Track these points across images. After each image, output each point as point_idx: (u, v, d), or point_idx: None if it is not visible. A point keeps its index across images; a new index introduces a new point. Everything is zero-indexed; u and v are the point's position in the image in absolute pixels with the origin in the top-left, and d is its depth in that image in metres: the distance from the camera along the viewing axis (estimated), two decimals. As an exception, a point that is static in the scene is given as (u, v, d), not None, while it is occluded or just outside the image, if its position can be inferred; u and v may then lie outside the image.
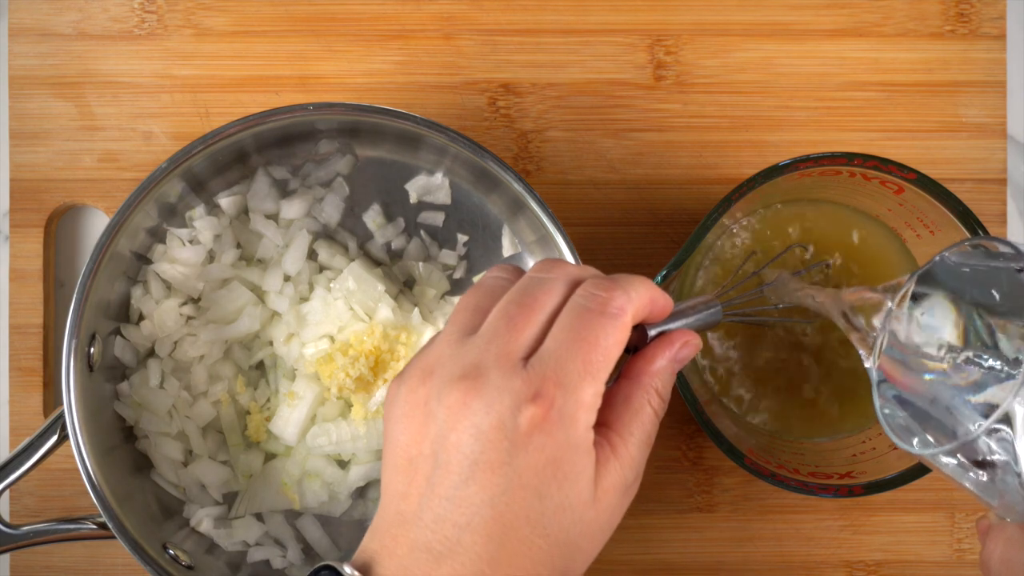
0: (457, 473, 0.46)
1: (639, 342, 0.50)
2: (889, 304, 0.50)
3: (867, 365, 0.51)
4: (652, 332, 0.50)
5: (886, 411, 0.49)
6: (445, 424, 0.46)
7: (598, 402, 0.47)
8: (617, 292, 0.47)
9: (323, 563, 0.46)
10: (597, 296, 0.47)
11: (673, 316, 0.51)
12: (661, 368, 0.50)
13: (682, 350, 0.50)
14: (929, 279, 0.49)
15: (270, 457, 0.65)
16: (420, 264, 0.65)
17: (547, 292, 0.48)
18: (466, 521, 0.45)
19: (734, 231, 0.61)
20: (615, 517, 0.48)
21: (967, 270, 0.48)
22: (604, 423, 0.48)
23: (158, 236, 0.64)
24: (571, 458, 0.46)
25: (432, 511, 0.46)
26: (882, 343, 0.50)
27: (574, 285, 0.49)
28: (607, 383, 0.47)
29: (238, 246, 0.65)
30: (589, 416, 0.46)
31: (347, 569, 0.46)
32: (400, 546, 0.46)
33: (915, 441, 0.47)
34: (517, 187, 0.61)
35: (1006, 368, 0.45)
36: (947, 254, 0.48)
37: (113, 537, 0.59)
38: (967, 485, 0.45)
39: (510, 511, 0.45)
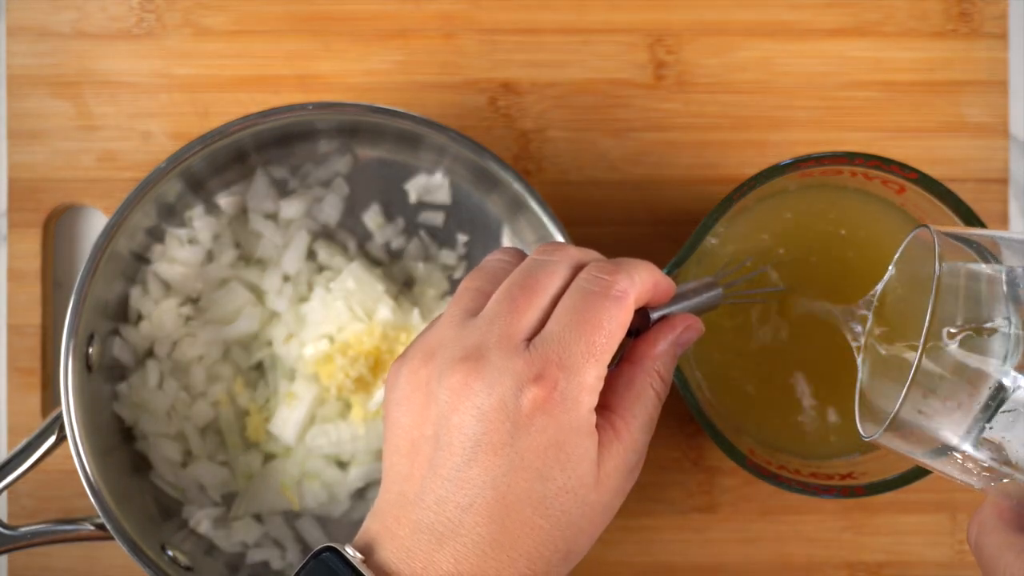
0: (459, 454, 0.46)
1: (641, 325, 0.51)
2: (867, 314, 0.51)
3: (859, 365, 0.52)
4: (654, 315, 0.51)
5: (862, 406, 0.50)
6: (447, 405, 0.46)
7: (600, 384, 0.47)
8: (620, 275, 0.48)
9: (325, 544, 0.47)
10: (600, 279, 0.47)
11: (675, 299, 0.52)
12: (663, 351, 0.50)
13: (684, 333, 0.51)
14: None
15: (269, 458, 0.65)
16: (420, 264, 0.65)
17: (550, 275, 0.48)
18: (468, 502, 0.46)
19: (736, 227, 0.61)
20: (617, 499, 0.48)
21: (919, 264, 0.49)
22: (606, 406, 0.48)
23: (157, 236, 0.64)
24: (574, 440, 0.46)
25: (434, 492, 0.46)
26: (863, 347, 0.51)
27: (577, 268, 0.49)
28: (609, 366, 0.48)
29: (237, 246, 0.65)
30: (592, 398, 0.47)
31: (349, 550, 0.46)
32: (402, 527, 0.46)
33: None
34: (517, 187, 0.61)
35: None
36: (901, 254, 0.49)
37: (111, 538, 0.59)
38: (948, 471, 0.46)
39: (512, 492, 0.46)
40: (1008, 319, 0.44)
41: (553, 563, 0.46)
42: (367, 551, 0.47)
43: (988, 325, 0.44)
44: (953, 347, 0.44)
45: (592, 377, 0.46)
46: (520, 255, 0.51)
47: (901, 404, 0.44)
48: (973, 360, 0.44)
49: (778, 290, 0.59)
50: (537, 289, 0.48)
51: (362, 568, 0.45)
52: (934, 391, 0.45)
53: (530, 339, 0.47)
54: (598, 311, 0.47)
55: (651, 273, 0.49)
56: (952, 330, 0.44)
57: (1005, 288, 0.45)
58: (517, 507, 0.46)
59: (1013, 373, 0.43)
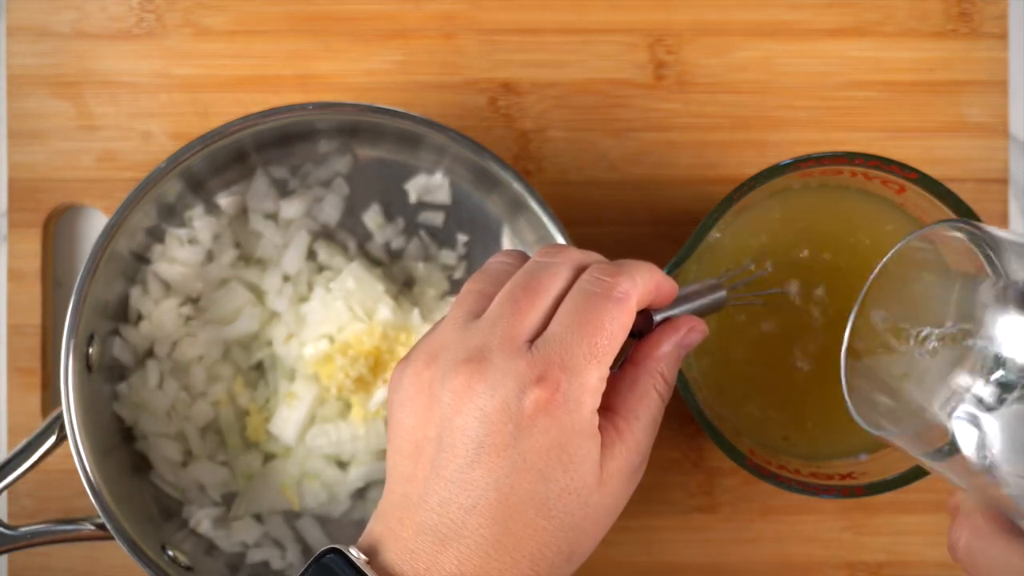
0: (463, 456, 0.46)
1: (644, 327, 0.51)
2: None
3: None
4: (657, 317, 0.51)
5: (855, 397, 0.49)
6: (450, 407, 0.46)
7: (602, 386, 0.47)
8: (622, 277, 0.48)
9: (329, 546, 0.47)
10: (602, 281, 0.48)
11: (678, 301, 0.52)
12: (667, 353, 0.50)
13: (688, 335, 0.51)
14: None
15: (269, 458, 0.65)
16: (420, 264, 0.65)
17: (552, 276, 0.48)
18: (471, 504, 0.46)
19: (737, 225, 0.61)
20: (621, 500, 0.48)
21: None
22: (609, 408, 0.49)
23: (157, 236, 0.64)
24: (576, 442, 0.46)
25: (437, 494, 0.46)
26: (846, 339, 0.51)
27: (579, 270, 0.49)
28: (612, 368, 0.48)
29: (237, 246, 0.65)
30: (594, 400, 0.47)
31: (353, 552, 0.46)
32: (406, 529, 0.46)
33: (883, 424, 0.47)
34: (517, 187, 0.61)
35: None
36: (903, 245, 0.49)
37: (112, 538, 0.59)
38: (935, 467, 0.46)
39: (515, 494, 0.46)
40: (990, 326, 0.44)
41: (556, 564, 0.47)
42: (371, 553, 0.47)
43: (969, 329, 0.44)
44: (936, 347, 0.45)
45: (594, 378, 0.46)
46: (523, 257, 0.51)
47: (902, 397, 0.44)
48: (956, 363, 0.44)
49: (781, 292, 0.59)
50: (539, 291, 0.48)
51: (366, 569, 0.46)
52: (923, 385, 0.45)
53: (532, 340, 0.47)
54: (600, 312, 0.47)
55: (653, 274, 0.49)
56: (938, 331, 0.45)
57: (992, 294, 0.45)
58: (520, 508, 0.46)
59: (991, 382, 0.43)
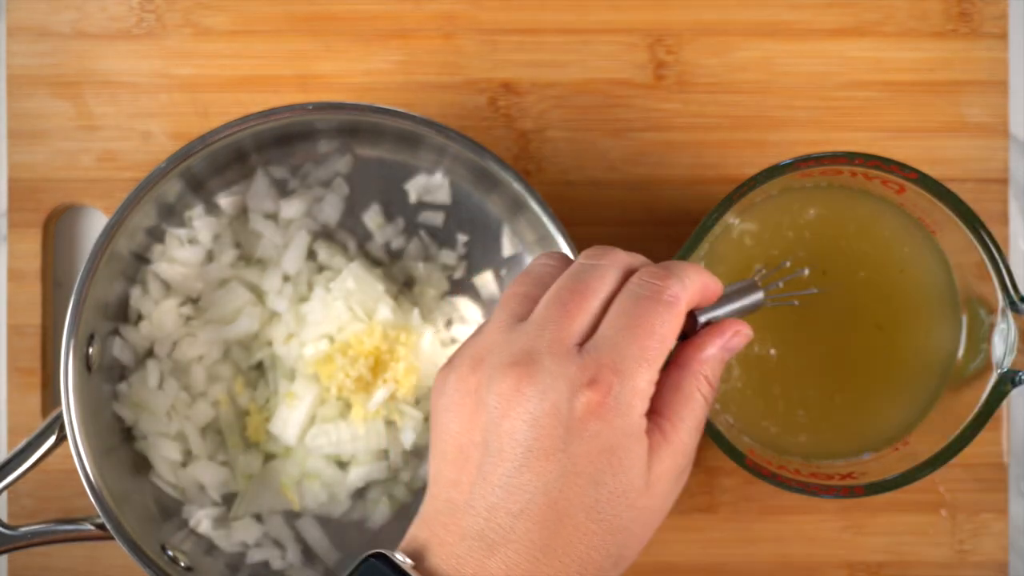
0: (510, 460, 0.46)
1: (688, 329, 0.50)
2: None
3: None
4: (702, 319, 0.50)
5: None
6: (497, 411, 0.46)
7: (652, 389, 0.47)
8: (672, 280, 0.48)
9: (374, 550, 0.46)
10: (652, 284, 0.47)
11: (719, 301, 0.51)
12: (711, 356, 0.50)
13: (733, 339, 0.50)
14: None
15: (269, 458, 0.65)
16: (420, 264, 0.65)
17: (600, 279, 0.48)
18: (520, 509, 0.45)
19: (738, 224, 0.61)
20: (667, 503, 0.48)
21: None
22: (654, 410, 0.48)
23: (157, 236, 0.64)
24: (626, 445, 0.46)
25: (485, 499, 0.46)
26: None
27: (627, 273, 0.49)
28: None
29: (237, 246, 0.65)
30: (643, 403, 0.47)
31: (399, 556, 0.46)
32: (451, 534, 0.46)
33: None
34: (517, 187, 0.61)
35: None
36: None
37: (112, 538, 0.59)
38: None
39: (564, 498, 0.45)
40: None
41: (604, 568, 0.46)
42: (416, 557, 0.46)
43: None
44: None
45: (644, 382, 0.46)
46: (565, 259, 0.51)
47: None
48: None
49: (815, 292, 0.58)
50: (588, 293, 0.48)
51: (413, 574, 0.45)
52: None
53: (581, 344, 0.47)
54: (651, 316, 0.47)
55: (700, 275, 0.49)
56: None
57: None
58: (569, 512, 0.45)
59: None
